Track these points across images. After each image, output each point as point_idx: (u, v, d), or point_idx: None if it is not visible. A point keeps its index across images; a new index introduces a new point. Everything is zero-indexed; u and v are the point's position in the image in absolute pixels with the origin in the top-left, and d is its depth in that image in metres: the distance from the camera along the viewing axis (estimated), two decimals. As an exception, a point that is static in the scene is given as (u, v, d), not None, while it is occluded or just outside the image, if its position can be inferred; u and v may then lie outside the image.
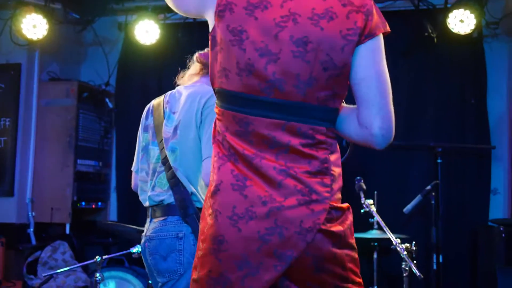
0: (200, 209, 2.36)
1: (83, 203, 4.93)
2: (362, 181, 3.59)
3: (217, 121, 1.67)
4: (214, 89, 1.67)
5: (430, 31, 4.40)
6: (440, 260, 4.00)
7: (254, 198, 1.54)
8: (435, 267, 3.95)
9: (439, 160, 4.18)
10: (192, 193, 2.36)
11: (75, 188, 4.82)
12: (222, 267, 1.54)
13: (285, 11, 1.56)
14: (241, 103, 1.59)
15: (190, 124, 2.40)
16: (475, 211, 4.44)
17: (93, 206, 5.10)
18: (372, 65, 1.57)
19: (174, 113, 2.46)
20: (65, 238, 4.66)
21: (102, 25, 5.17)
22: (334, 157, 1.61)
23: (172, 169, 2.37)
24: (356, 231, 3.96)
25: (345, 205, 1.63)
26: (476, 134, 4.51)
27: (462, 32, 4.30)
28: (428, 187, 3.89)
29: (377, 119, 1.57)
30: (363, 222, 3.77)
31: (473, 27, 4.26)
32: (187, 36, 4.98)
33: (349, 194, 3.81)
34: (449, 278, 4.21)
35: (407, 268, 3.10)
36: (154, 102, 2.59)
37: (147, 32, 4.73)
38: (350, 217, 1.64)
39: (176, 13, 4.95)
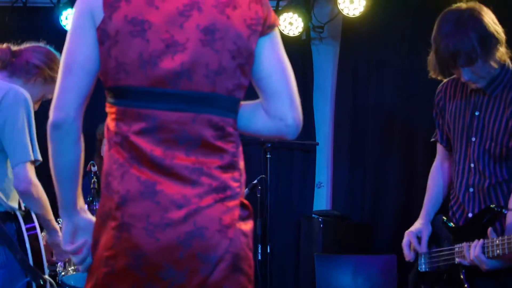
0: (3, 213, 2.24)
1: None
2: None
3: (113, 122, 1.52)
4: (108, 88, 1.53)
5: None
6: (268, 250, 4.21)
7: (168, 203, 1.46)
8: (259, 257, 4.15)
9: (268, 155, 4.40)
10: None
11: None
12: (146, 280, 1.46)
13: (187, 0, 1.51)
14: (147, 98, 1.49)
15: None
16: (301, 203, 4.72)
17: None
18: (279, 57, 1.58)
19: None
20: None
21: None
22: (240, 150, 1.59)
23: None
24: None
25: (250, 206, 1.59)
26: (303, 131, 4.78)
27: (291, 34, 4.55)
28: (254, 181, 4.08)
29: (292, 111, 1.57)
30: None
31: (301, 29, 4.53)
32: (16, 20, 4.70)
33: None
34: (276, 266, 4.44)
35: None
36: None
37: (-31, 14, 4.42)
38: (252, 221, 1.59)
39: (3, -4, 4.69)
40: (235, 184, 1.53)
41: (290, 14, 4.45)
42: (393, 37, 4.52)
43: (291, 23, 4.49)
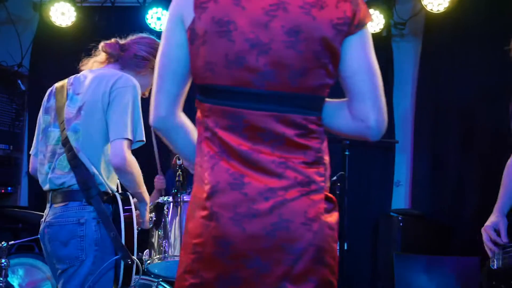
0: (103, 192, 2.37)
1: (-9, 187, 4.79)
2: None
3: (202, 117, 1.60)
4: (197, 85, 1.60)
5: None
6: (345, 247, 4.21)
7: (255, 195, 1.51)
8: (338, 254, 4.15)
9: (347, 152, 4.39)
10: (94, 174, 2.35)
11: (-17, 172, 4.68)
12: (231, 268, 1.52)
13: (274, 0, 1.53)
14: (232, 97, 1.54)
15: (96, 106, 2.38)
16: (379, 201, 4.69)
17: (2, 190, 4.95)
18: (365, 57, 1.56)
19: (78, 94, 2.44)
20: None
21: (16, 4, 5.02)
22: (324, 145, 1.61)
23: (73, 150, 2.35)
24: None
25: (334, 198, 1.62)
26: (382, 128, 4.74)
27: (372, 31, 4.52)
28: (334, 178, 4.09)
29: (373, 112, 1.55)
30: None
31: (382, 26, 4.49)
32: (105, 20, 4.93)
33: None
34: (352, 264, 4.44)
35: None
36: (57, 84, 2.55)
37: (63, 14, 4.66)
38: (337, 213, 1.62)
39: (93, -4, 4.92)
40: (319, 179, 1.56)
41: (372, 10, 4.42)
42: (477, 34, 4.39)
43: (372, 20, 4.47)
